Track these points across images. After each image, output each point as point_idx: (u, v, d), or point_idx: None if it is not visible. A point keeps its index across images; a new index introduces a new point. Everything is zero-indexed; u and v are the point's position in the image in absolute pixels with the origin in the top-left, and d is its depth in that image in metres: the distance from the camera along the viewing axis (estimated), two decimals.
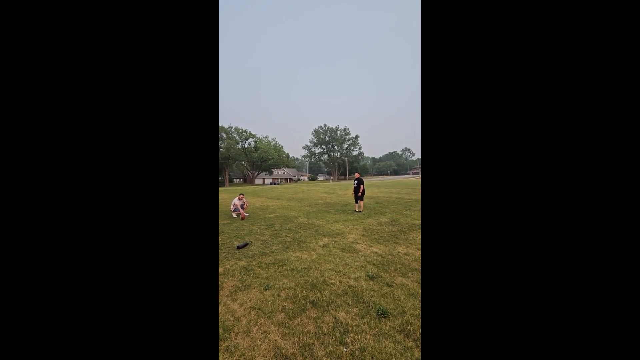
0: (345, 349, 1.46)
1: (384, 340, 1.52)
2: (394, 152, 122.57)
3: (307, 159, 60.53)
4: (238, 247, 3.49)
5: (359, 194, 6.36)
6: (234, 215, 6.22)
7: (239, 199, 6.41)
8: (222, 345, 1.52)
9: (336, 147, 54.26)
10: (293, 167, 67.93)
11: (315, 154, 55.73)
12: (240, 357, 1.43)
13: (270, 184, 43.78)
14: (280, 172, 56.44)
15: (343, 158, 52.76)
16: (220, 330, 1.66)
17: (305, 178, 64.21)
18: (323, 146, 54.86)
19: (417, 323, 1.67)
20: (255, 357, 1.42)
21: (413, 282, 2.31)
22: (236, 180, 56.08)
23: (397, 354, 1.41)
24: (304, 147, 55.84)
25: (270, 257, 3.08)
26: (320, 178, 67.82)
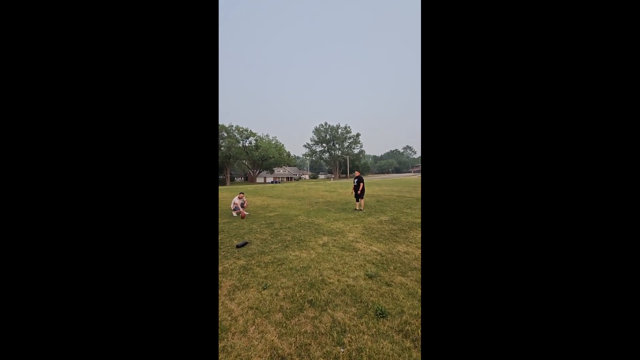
0: (342, 350, 1.44)
1: (381, 340, 1.51)
2: (396, 150, 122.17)
3: (308, 158, 60.49)
4: (237, 246, 3.49)
5: (359, 192, 6.34)
6: (234, 214, 6.22)
7: (239, 198, 6.41)
8: (219, 345, 1.51)
9: (337, 146, 54.14)
10: (294, 166, 67.95)
11: (317, 152, 55.67)
12: (236, 357, 1.42)
13: (271, 182, 43.85)
14: (281, 171, 56.49)
15: (344, 156, 52.66)
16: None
17: (307, 177, 64.24)
18: (324, 144, 54.75)
19: (416, 323, 1.65)
20: (252, 357, 1.41)
21: (412, 281, 2.29)
22: (237, 179, 56.24)
23: (395, 354, 1.39)
24: (305, 146, 55.81)
25: (270, 256, 3.08)
26: (321, 176, 67.80)
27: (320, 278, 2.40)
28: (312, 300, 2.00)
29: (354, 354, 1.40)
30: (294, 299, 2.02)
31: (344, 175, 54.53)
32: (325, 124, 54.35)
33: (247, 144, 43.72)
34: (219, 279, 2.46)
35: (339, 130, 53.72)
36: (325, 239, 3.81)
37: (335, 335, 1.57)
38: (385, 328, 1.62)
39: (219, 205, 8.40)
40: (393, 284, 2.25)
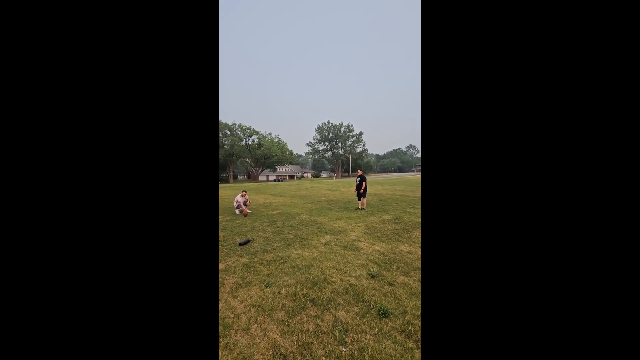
0: (344, 349, 1.44)
1: (384, 340, 1.50)
2: (398, 149, 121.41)
3: (310, 156, 60.44)
4: (240, 244, 3.51)
5: (361, 191, 6.32)
6: (237, 211, 6.25)
7: (242, 196, 6.44)
8: (222, 342, 1.52)
9: (340, 144, 53.96)
10: (296, 164, 68.02)
11: (319, 150, 55.56)
12: (239, 354, 1.43)
13: (274, 180, 43.97)
14: (283, 169, 56.60)
15: (347, 155, 52.53)
16: (220, 327, 1.66)
17: (309, 175, 64.27)
18: (327, 143, 54.61)
19: (419, 324, 1.64)
20: (254, 355, 1.42)
21: (415, 281, 2.28)
22: (240, 177, 56.51)
23: (398, 355, 1.39)
24: (307, 144, 55.76)
25: (272, 254, 3.09)
26: (323, 175, 67.79)
27: (322, 277, 2.40)
28: (314, 298, 2.00)
29: (356, 354, 1.40)
30: (296, 298, 2.02)
31: (347, 174, 54.41)
32: (328, 122, 54.18)
33: (250, 142, 43.82)
34: (222, 276, 2.48)
35: (342, 129, 53.52)
36: (328, 237, 3.81)
37: (337, 334, 1.57)
38: (387, 328, 1.61)
39: (222, 203, 8.45)
40: (396, 283, 2.24)
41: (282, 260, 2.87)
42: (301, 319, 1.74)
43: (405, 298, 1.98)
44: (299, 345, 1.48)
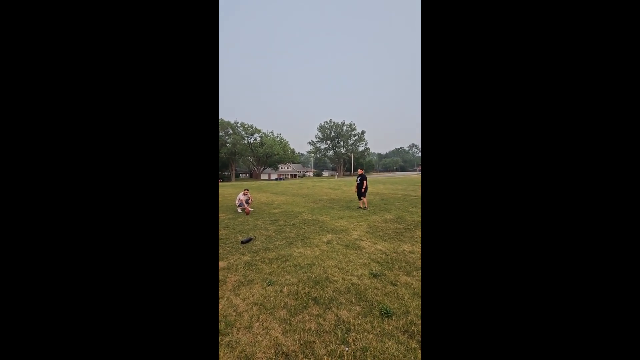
0: (346, 348, 1.44)
1: (386, 340, 1.49)
2: (401, 148, 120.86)
3: (312, 155, 60.36)
4: (242, 242, 3.52)
5: (362, 190, 6.29)
6: (239, 210, 6.27)
7: (244, 194, 6.45)
8: (224, 341, 1.53)
9: (342, 143, 53.81)
10: (298, 163, 68.03)
11: (321, 149, 55.47)
12: (241, 352, 1.43)
13: (276, 179, 44.05)
14: (285, 168, 56.65)
15: (349, 154, 52.40)
16: (222, 325, 1.66)
17: (311, 174, 64.27)
18: (328, 142, 54.48)
19: None
20: (256, 353, 1.42)
21: (418, 281, 2.26)
22: (242, 176, 56.70)
23: (400, 355, 1.38)
24: (309, 143, 55.68)
25: (274, 253, 3.09)
26: (325, 174, 67.75)
27: (324, 276, 2.40)
28: (316, 297, 2.00)
29: (358, 354, 1.40)
30: (298, 296, 2.02)
31: (348, 173, 54.33)
32: (330, 121, 54.02)
33: (252, 141, 43.88)
34: (224, 274, 2.49)
35: (344, 128, 53.34)
36: (330, 236, 3.80)
37: (339, 333, 1.56)
38: (390, 328, 1.60)
39: (224, 201, 8.49)
40: (398, 283, 2.22)
41: (284, 259, 2.87)
42: (303, 317, 1.74)
43: (408, 298, 1.97)
44: (301, 344, 1.48)
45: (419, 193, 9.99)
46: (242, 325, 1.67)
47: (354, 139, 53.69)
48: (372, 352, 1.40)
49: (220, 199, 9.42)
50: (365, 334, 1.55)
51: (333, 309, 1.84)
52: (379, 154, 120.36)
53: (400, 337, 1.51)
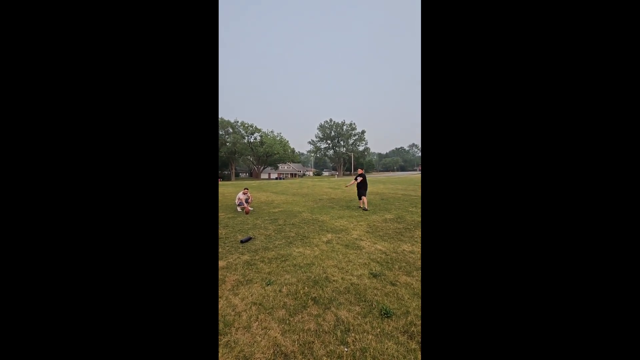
0: (346, 349, 1.43)
1: (386, 341, 1.48)
2: (401, 147, 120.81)
3: (312, 154, 60.34)
4: (242, 242, 3.51)
5: (359, 185, 6.27)
6: (239, 209, 6.26)
7: (244, 193, 6.44)
8: (222, 341, 1.51)
9: (342, 142, 53.75)
10: (298, 162, 67.95)
11: (321, 149, 55.40)
12: (239, 352, 1.42)
13: (276, 178, 44.04)
14: (285, 167, 56.63)
15: (349, 153, 52.37)
16: (221, 325, 1.65)
17: (311, 173, 64.23)
18: (329, 141, 54.41)
19: None
20: (255, 353, 1.41)
21: (418, 281, 2.25)
22: (242, 175, 56.69)
23: (400, 356, 1.37)
24: (309, 142, 55.61)
25: (273, 252, 3.08)
26: (325, 173, 67.71)
27: (324, 275, 2.39)
28: (315, 297, 1.99)
29: (357, 354, 1.38)
30: (298, 296, 2.01)
31: (348, 173, 54.31)
32: (330, 120, 53.94)
33: (252, 140, 43.81)
34: (223, 273, 2.48)
35: (344, 127, 53.27)
36: (329, 236, 3.79)
37: (339, 334, 1.55)
38: (389, 328, 1.59)
39: (224, 201, 8.47)
40: (398, 283, 2.21)
41: (283, 258, 2.86)
42: (302, 317, 1.73)
43: (408, 298, 1.96)
44: (300, 345, 1.46)
45: (419, 193, 9.97)
46: (240, 325, 1.65)
47: (354, 138, 53.65)
48: (372, 353, 1.39)
49: (220, 198, 9.41)
50: (365, 334, 1.54)
51: (332, 309, 1.83)
52: (379, 154, 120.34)
53: (400, 338, 1.50)
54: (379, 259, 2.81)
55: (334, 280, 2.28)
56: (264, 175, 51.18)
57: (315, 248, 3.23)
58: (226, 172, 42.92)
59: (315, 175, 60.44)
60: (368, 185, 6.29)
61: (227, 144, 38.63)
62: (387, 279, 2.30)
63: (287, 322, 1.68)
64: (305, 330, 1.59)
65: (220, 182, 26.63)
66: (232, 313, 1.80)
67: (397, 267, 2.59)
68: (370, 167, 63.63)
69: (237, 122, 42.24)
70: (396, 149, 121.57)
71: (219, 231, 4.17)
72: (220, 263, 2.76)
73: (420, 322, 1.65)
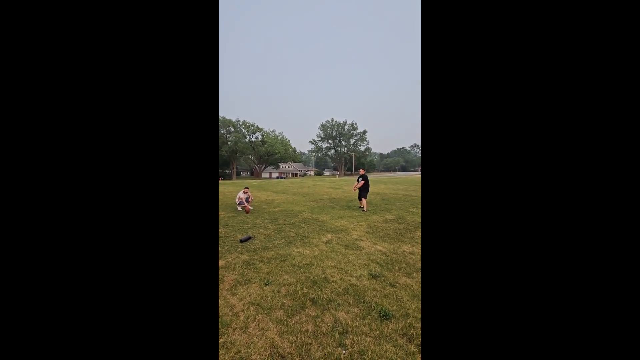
0: (343, 351, 1.41)
1: (385, 343, 1.46)
2: (402, 148, 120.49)
3: (313, 154, 60.28)
4: (241, 241, 3.49)
5: (361, 188, 6.21)
6: (239, 208, 6.26)
7: (244, 192, 6.43)
8: (219, 341, 1.50)
9: (343, 142, 53.65)
10: (299, 162, 67.98)
11: (322, 148, 55.31)
12: (236, 353, 1.40)
13: (277, 178, 44.08)
14: (286, 167, 56.67)
15: (350, 153, 52.28)
16: (218, 325, 1.64)
17: (312, 173, 64.22)
18: (330, 141, 54.32)
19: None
20: (252, 355, 1.39)
21: (418, 282, 2.23)
22: (243, 174, 56.79)
23: (399, 359, 1.34)
24: (310, 142, 55.54)
25: (273, 252, 3.06)
26: (326, 173, 67.67)
27: (323, 276, 2.37)
28: (314, 298, 1.97)
29: (355, 357, 1.36)
30: (296, 297, 1.99)
31: (350, 172, 54.24)
32: (332, 120, 53.84)
33: (253, 139, 43.83)
34: (222, 273, 2.46)
35: (346, 127, 53.16)
36: (329, 236, 3.77)
37: (337, 335, 1.53)
38: (388, 331, 1.57)
39: (225, 200, 8.48)
40: (398, 285, 2.19)
41: (282, 258, 2.84)
42: (300, 318, 1.71)
43: (408, 300, 1.93)
44: (298, 346, 1.45)
45: (420, 193, 9.92)
46: (238, 326, 1.64)
47: (355, 138, 53.55)
48: (370, 356, 1.37)
49: (220, 196, 9.42)
50: (363, 336, 1.52)
51: (331, 310, 1.81)
52: (381, 154, 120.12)
53: (398, 341, 1.48)
54: (378, 260, 2.78)
55: (333, 281, 2.26)
56: (265, 175, 51.24)
57: (315, 248, 3.21)
58: (227, 171, 43.01)
59: (316, 174, 60.44)
60: (370, 186, 6.22)
61: (229, 143, 38.68)
62: (387, 280, 2.28)
63: (285, 323, 1.67)
64: (303, 331, 1.58)
65: (221, 181, 26.66)
66: (230, 313, 1.78)
67: (397, 268, 2.57)
68: (371, 167, 63.50)
69: (239, 121, 42.28)
70: (398, 149, 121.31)
71: (219, 230, 4.16)
72: (219, 262, 2.75)
73: (419, 324, 1.63)
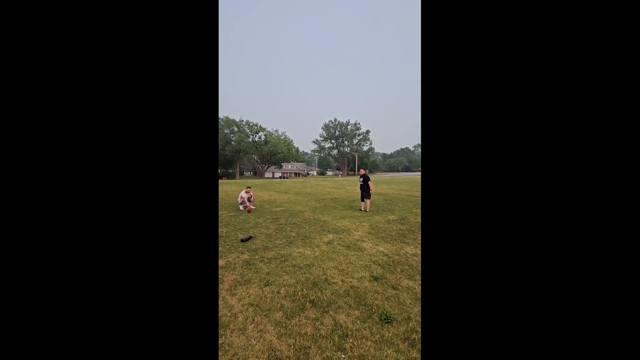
0: (343, 356, 1.37)
1: (385, 348, 1.42)
2: (406, 148, 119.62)
3: (316, 154, 60.22)
4: (242, 240, 3.48)
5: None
6: (241, 207, 6.26)
7: (246, 192, 6.44)
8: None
9: (346, 142, 53.51)
10: (302, 162, 68.05)
11: (325, 148, 55.28)
12: (233, 356, 1.38)
13: (280, 177, 44.18)
14: (289, 166, 56.75)
15: (353, 153, 52.10)
16: None
17: (314, 173, 64.19)
18: (333, 141, 54.26)
19: None
20: (249, 357, 1.37)
21: (420, 285, 2.18)
22: (246, 174, 57.07)
23: None
24: (313, 142, 55.54)
25: (273, 252, 3.04)
26: (329, 173, 67.56)
27: (323, 277, 2.33)
28: (314, 300, 1.94)
29: None
30: (296, 298, 1.96)
31: (352, 172, 54.06)
32: (335, 120, 53.73)
33: (256, 139, 43.95)
34: (222, 273, 2.45)
35: (349, 127, 53.01)
36: (331, 236, 3.74)
37: (336, 339, 1.49)
38: (390, 335, 1.53)
39: (227, 199, 8.50)
40: (400, 287, 2.14)
41: (283, 259, 2.82)
42: (299, 321, 1.68)
43: (410, 303, 1.89)
44: (296, 350, 1.42)
45: None
46: (236, 327, 1.62)
47: (358, 138, 53.39)
48: None
49: (222, 196, 9.45)
50: (364, 340, 1.48)
51: (331, 312, 1.77)
52: (384, 154, 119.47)
53: (400, 346, 1.44)
54: (380, 261, 2.74)
55: (333, 283, 2.23)
56: (267, 174, 51.39)
57: (316, 248, 3.18)
58: (231, 171, 43.26)
59: (319, 174, 60.39)
60: (372, 186, 6.11)
61: (232, 142, 38.87)
62: (389, 282, 2.24)
63: (284, 325, 1.64)
64: (302, 334, 1.54)
65: (224, 181, 26.82)
66: (228, 314, 1.76)
67: (399, 270, 2.52)
68: (374, 168, 63.24)
69: (242, 121, 42.47)
70: (401, 149, 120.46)
71: (220, 230, 4.16)
72: (219, 262, 2.74)
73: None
